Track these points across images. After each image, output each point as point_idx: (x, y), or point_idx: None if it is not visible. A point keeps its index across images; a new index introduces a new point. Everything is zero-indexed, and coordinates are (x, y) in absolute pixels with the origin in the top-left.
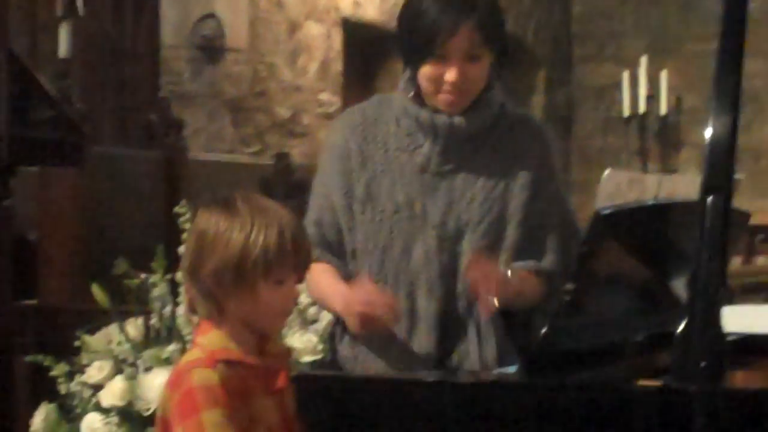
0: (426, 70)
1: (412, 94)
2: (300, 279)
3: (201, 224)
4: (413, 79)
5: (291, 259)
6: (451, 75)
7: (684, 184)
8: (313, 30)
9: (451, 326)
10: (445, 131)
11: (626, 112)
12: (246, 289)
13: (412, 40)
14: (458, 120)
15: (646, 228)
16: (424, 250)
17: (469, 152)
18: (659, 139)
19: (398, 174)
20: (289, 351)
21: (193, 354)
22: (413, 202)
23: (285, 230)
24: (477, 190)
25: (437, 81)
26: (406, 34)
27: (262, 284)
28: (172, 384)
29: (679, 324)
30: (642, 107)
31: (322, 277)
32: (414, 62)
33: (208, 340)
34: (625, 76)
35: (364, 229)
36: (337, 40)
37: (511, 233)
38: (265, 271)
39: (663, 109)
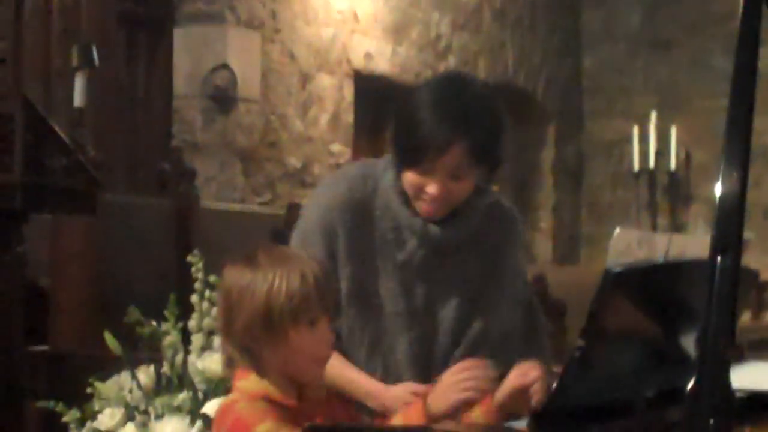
0: (408, 177)
1: (397, 183)
2: (332, 322)
3: (227, 282)
4: (398, 173)
5: (317, 301)
6: (432, 189)
7: (693, 243)
8: (325, 82)
9: None
10: (421, 239)
11: (636, 166)
12: (278, 338)
13: (401, 144)
14: (433, 230)
15: (656, 286)
16: (408, 347)
17: (450, 252)
18: (668, 194)
19: (382, 268)
20: (328, 397)
21: (232, 397)
22: (396, 299)
23: (307, 274)
24: (453, 291)
25: (418, 190)
26: (398, 133)
27: (293, 331)
28: (218, 424)
29: (688, 381)
30: (651, 162)
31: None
32: (399, 162)
33: (247, 384)
34: (635, 131)
35: (350, 323)
36: (349, 92)
37: (482, 327)
38: (292, 317)
39: (672, 164)
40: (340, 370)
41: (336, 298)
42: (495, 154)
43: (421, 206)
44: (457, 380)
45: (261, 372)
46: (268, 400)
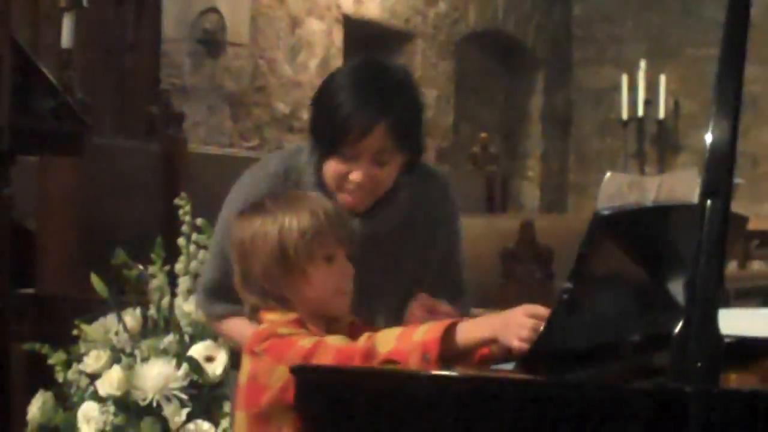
0: (331, 166)
1: (317, 176)
2: (348, 254)
3: (238, 233)
4: (318, 166)
5: (331, 234)
6: (356, 176)
7: (683, 182)
8: (314, 26)
9: None
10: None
11: (624, 115)
12: (296, 276)
13: (322, 130)
14: (356, 224)
15: (644, 230)
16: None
17: (377, 243)
18: (657, 143)
19: None
20: (352, 329)
21: (269, 316)
22: None
23: (317, 211)
24: (388, 280)
25: (341, 179)
26: (317, 119)
27: (310, 267)
28: (253, 343)
29: (675, 325)
30: (640, 111)
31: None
32: (321, 152)
33: (277, 316)
34: (624, 79)
35: None
36: (338, 36)
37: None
38: (308, 253)
39: (661, 113)
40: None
41: (350, 232)
42: (417, 137)
43: (345, 198)
44: (525, 323)
45: (288, 309)
46: (303, 326)
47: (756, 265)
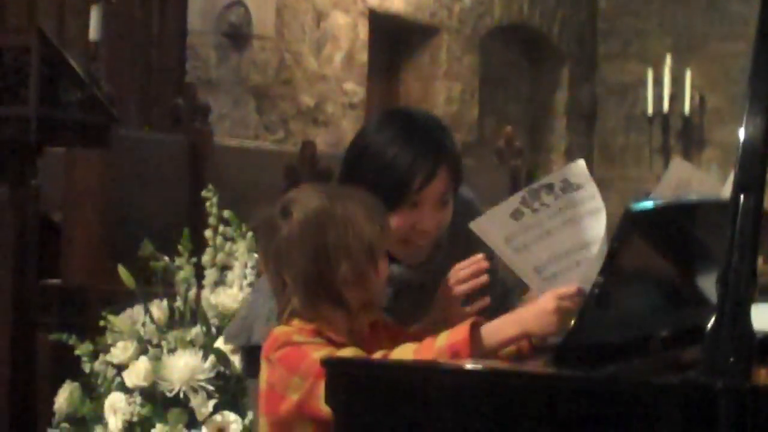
0: (396, 221)
1: None
2: None
3: (313, 232)
4: None
5: (387, 228)
6: (426, 225)
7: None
8: (340, 20)
9: None
10: (399, 282)
11: (650, 110)
12: (372, 272)
13: (379, 189)
14: (407, 274)
15: (676, 225)
16: None
17: (426, 285)
18: (682, 138)
19: None
20: (373, 328)
21: (283, 327)
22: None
23: (376, 203)
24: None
25: (410, 231)
26: (370, 182)
27: (381, 261)
28: (268, 350)
29: (707, 321)
30: (665, 106)
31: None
32: None
33: (298, 323)
34: (650, 74)
35: None
36: (363, 30)
37: None
38: (382, 248)
39: (686, 108)
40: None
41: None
42: (462, 171)
43: (411, 248)
44: (556, 309)
45: (318, 314)
46: (320, 335)
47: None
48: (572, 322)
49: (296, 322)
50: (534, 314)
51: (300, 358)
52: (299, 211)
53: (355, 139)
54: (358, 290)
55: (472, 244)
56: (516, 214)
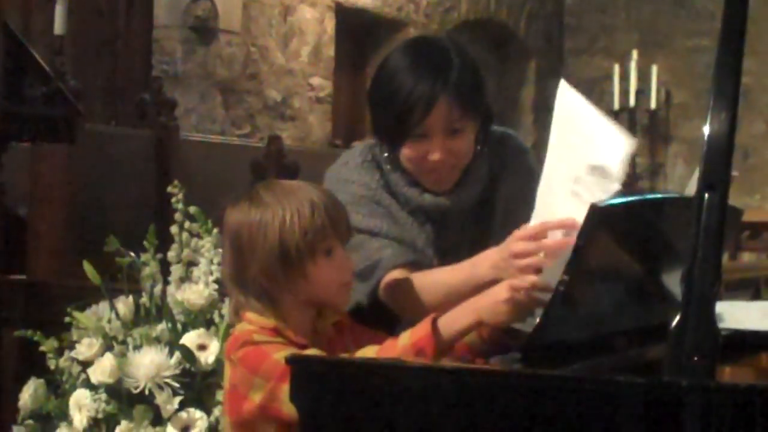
0: (406, 153)
1: (396, 167)
2: (344, 244)
3: (233, 226)
4: (393, 157)
5: (331, 227)
6: (434, 155)
7: None
8: (307, 14)
9: None
10: (436, 215)
11: (616, 105)
12: (298, 274)
13: (387, 121)
14: (443, 202)
15: (641, 222)
16: None
17: (467, 217)
18: (648, 133)
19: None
20: (337, 330)
21: (244, 325)
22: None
23: (317, 204)
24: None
25: (420, 162)
26: (379, 113)
27: (311, 264)
28: (229, 350)
29: (671, 318)
30: (632, 101)
31: (419, 277)
32: (392, 145)
33: (256, 318)
34: (616, 69)
35: None
36: (330, 24)
37: None
38: (309, 250)
39: (653, 103)
40: (423, 281)
41: (346, 222)
42: (482, 100)
43: (429, 179)
44: (512, 297)
45: (277, 313)
46: (279, 335)
47: (746, 257)
48: (525, 314)
49: (254, 319)
50: (487, 303)
51: (261, 358)
52: (228, 210)
53: (378, 67)
54: (288, 295)
55: (511, 196)
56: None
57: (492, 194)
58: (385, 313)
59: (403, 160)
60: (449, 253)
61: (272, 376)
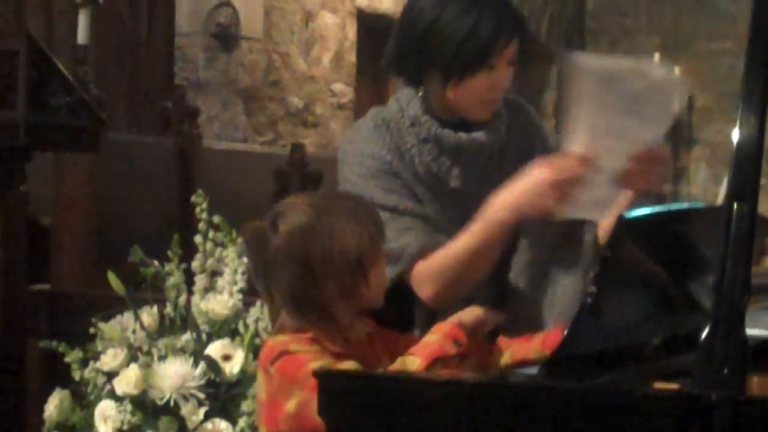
0: (474, 85)
1: (428, 108)
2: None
3: (297, 247)
4: (427, 95)
5: (381, 233)
6: (502, 83)
7: None
8: (328, 20)
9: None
10: (471, 152)
11: None
12: (363, 281)
13: (459, 54)
14: (479, 136)
15: (669, 232)
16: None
17: (491, 162)
18: (670, 136)
19: (428, 197)
20: (369, 336)
21: (279, 337)
22: (455, 225)
23: (366, 210)
24: None
25: (488, 91)
26: (453, 43)
27: (373, 269)
28: (265, 361)
29: (700, 329)
30: None
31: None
32: (457, 76)
33: (292, 333)
34: None
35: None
36: (352, 30)
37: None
38: (376, 256)
39: None
40: (444, 259)
41: (382, 222)
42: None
43: (483, 109)
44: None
45: (324, 331)
46: (316, 343)
47: None
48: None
49: (293, 330)
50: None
51: (297, 367)
52: (285, 225)
53: (412, 19)
54: (347, 304)
55: (528, 148)
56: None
57: (509, 145)
58: (402, 296)
59: (464, 91)
60: (472, 195)
61: (307, 384)
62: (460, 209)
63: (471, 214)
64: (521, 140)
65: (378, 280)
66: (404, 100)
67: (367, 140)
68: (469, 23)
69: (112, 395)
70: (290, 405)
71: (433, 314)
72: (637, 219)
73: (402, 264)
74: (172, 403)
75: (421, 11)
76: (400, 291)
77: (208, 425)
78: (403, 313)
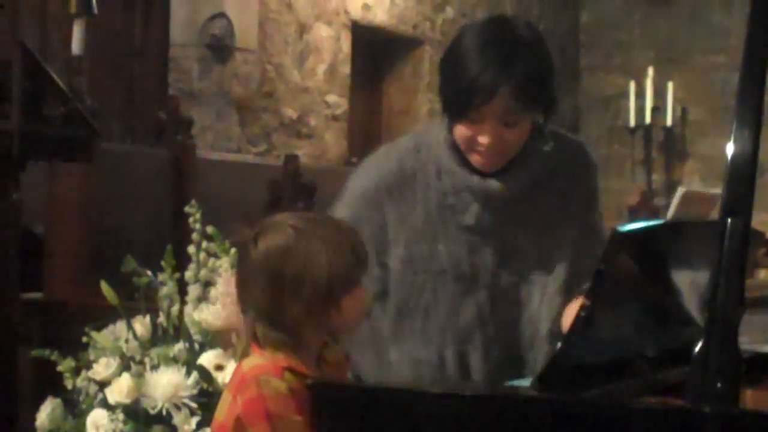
0: (459, 130)
1: (449, 140)
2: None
3: (272, 262)
4: (450, 125)
5: (362, 263)
6: (483, 139)
7: None
8: (323, 32)
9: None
10: (484, 196)
11: (632, 122)
12: (334, 306)
13: (449, 94)
14: (492, 184)
15: (663, 246)
16: (476, 310)
17: (517, 204)
18: (664, 150)
19: (441, 233)
20: (346, 359)
21: (253, 360)
22: (460, 261)
23: (348, 236)
24: (527, 242)
25: (470, 142)
26: (445, 81)
27: (347, 296)
28: (236, 389)
29: (694, 342)
30: (647, 118)
31: None
32: (449, 115)
33: (273, 353)
34: (632, 86)
35: (405, 290)
36: (346, 42)
37: (562, 272)
38: (350, 283)
39: (668, 120)
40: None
41: (365, 249)
42: (545, 96)
43: (475, 159)
44: None
45: (295, 349)
46: (292, 371)
47: (763, 274)
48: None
49: (269, 354)
50: None
51: (262, 413)
52: (264, 243)
53: (456, 35)
54: (315, 328)
55: (567, 194)
56: None
57: (547, 189)
58: None
59: (456, 134)
60: (493, 236)
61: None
62: (464, 246)
63: (480, 252)
64: (564, 180)
65: (353, 308)
66: (438, 128)
67: (389, 158)
68: (460, 65)
69: (105, 404)
70: None
71: None
72: (630, 233)
73: None
74: (164, 412)
75: (461, 31)
76: None
77: None
78: None
